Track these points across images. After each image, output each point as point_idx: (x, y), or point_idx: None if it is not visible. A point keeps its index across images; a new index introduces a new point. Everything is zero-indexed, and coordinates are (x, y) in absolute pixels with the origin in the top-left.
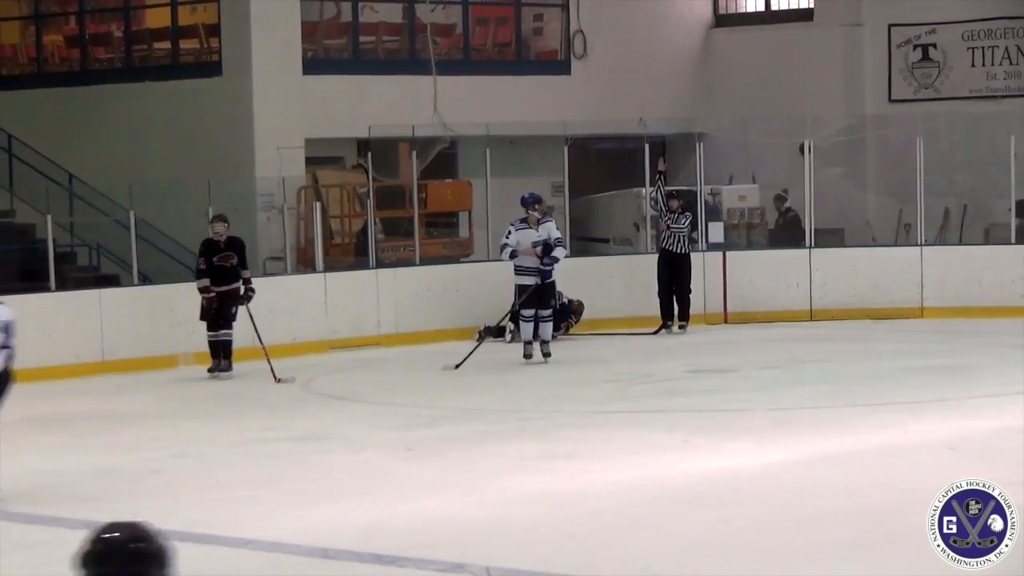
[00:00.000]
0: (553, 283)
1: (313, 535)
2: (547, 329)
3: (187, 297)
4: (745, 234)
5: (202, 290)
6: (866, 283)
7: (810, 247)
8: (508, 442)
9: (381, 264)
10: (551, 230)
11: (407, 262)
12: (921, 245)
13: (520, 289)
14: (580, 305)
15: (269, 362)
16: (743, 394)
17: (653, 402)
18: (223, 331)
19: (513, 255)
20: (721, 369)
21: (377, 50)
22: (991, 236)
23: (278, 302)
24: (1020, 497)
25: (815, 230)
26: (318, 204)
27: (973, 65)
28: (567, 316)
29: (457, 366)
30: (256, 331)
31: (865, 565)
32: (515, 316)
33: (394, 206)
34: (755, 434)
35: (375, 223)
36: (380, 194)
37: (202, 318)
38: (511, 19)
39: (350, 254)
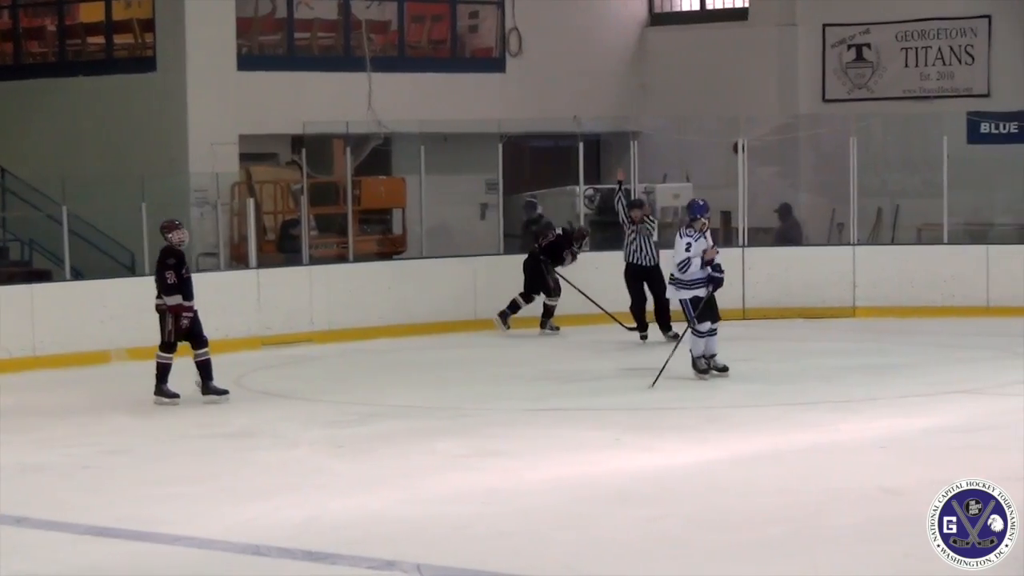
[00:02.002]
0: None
1: (244, 532)
2: (714, 343)
3: (120, 292)
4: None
5: (177, 307)
6: (799, 282)
7: (743, 246)
8: (440, 439)
9: (314, 261)
10: (710, 241)
11: (341, 259)
12: (854, 244)
13: (694, 302)
14: (582, 231)
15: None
16: (674, 392)
17: (585, 400)
18: (205, 349)
19: (685, 268)
20: (653, 367)
21: (312, 47)
22: (923, 236)
23: (211, 298)
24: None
25: (748, 229)
26: (251, 200)
27: (906, 65)
28: (569, 244)
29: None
30: None
31: (795, 563)
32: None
33: (328, 202)
34: (686, 432)
35: (308, 220)
36: (314, 191)
37: (173, 339)
38: (446, 16)
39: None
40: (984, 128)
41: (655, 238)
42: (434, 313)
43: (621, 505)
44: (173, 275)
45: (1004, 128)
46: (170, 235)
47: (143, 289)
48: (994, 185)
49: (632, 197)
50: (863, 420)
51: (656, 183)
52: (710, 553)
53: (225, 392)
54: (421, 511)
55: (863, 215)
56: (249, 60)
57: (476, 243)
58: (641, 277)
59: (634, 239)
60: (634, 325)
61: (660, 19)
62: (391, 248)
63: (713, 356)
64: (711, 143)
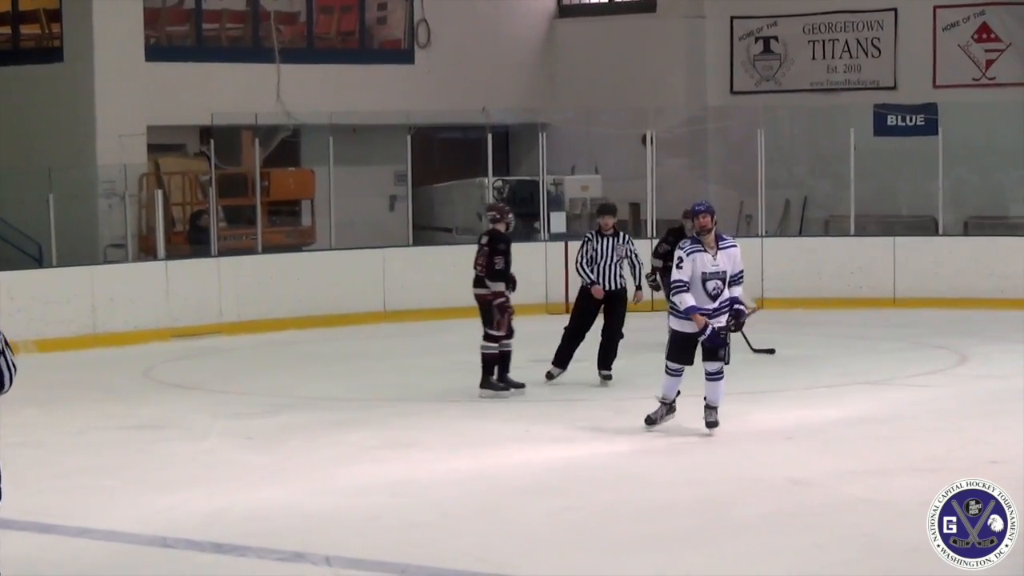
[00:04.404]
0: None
1: (152, 524)
2: (717, 390)
3: (27, 284)
4: (588, 224)
5: (497, 295)
6: None
7: (652, 238)
8: (349, 431)
9: (223, 252)
10: (735, 258)
11: (249, 250)
12: (762, 236)
13: (677, 337)
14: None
15: None
16: (584, 384)
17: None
18: (510, 340)
19: (680, 287)
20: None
21: (220, 38)
22: (831, 228)
23: (119, 290)
24: (858, 487)
25: (656, 221)
26: (160, 192)
27: (814, 58)
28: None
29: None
30: None
31: (705, 554)
32: (563, 355)
33: (236, 194)
34: (596, 424)
35: (217, 211)
36: (222, 182)
37: (508, 329)
38: (355, 8)
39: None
40: (891, 120)
41: (625, 255)
42: (343, 305)
43: (531, 496)
44: (502, 261)
45: (910, 120)
46: (509, 217)
47: (51, 281)
48: (900, 177)
49: (604, 203)
50: (771, 411)
51: (564, 175)
52: (620, 544)
53: (521, 385)
54: (331, 502)
55: (771, 207)
56: (157, 51)
57: (385, 235)
58: (599, 303)
59: (605, 255)
60: (771, 348)
61: (568, 11)
62: (300, 239)
63: (712, 408)
64: (620, 135)
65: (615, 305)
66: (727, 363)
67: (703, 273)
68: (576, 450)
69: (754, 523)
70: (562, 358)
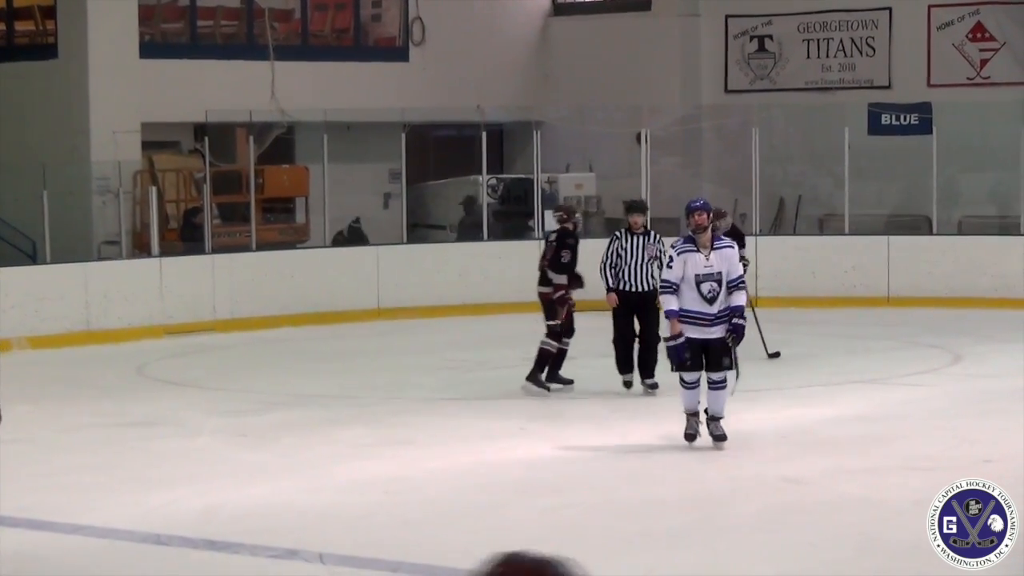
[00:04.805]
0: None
1: (146, 521)
2: (720, 400)
3: (21, 281)
4: (583, 223)
5: (560, 287)
6: None
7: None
8: (343, 428)
9: (217, 249)
10: (732, 260)
11: (243, 247)
12: (756, 235)
13: (674, 345)
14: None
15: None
16: (578, 382)
17: (489, 389)
18: (569, 340)
19: (667, 288)
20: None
21: (215, 35)
22: (825, 227)
23: (113, 287)
24: (852, 486)
25: (651, 219)
26: (154, 189)
27: (808, 57)
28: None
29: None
30: None
31: (697, 552)
32: (624, 361)
33: (231, 191)
34: (590, 421)
35: (211, 208)
36: (217, 179)
37: (570, 326)
38: (349, 5)
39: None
40: (885, 119)
41: (656, 255)
42: (337, 302)
43: (525, 494)
44: (569, 255)
45: (905, 119)
46: (577, 216)
47: (45, 277)
48: (895, 176)
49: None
50: (765, 410)
51: (559, 173)
52: (613, 542)
53: (570, 382)
54: (324, 500)
55: (765, 206)
56: (151, 48)
57: (379, 232)
58: (633, 306)
59: (634, 255)
60: (777, 352)
61: (563, 9)
62: (294, 237)
63: (715, 419)
64: (614, 133)
65: (647, 309)
66: (733, 368)
67: (696, 275)
68: (569, 447)
69: (748, 521)
70: (624, 364)
